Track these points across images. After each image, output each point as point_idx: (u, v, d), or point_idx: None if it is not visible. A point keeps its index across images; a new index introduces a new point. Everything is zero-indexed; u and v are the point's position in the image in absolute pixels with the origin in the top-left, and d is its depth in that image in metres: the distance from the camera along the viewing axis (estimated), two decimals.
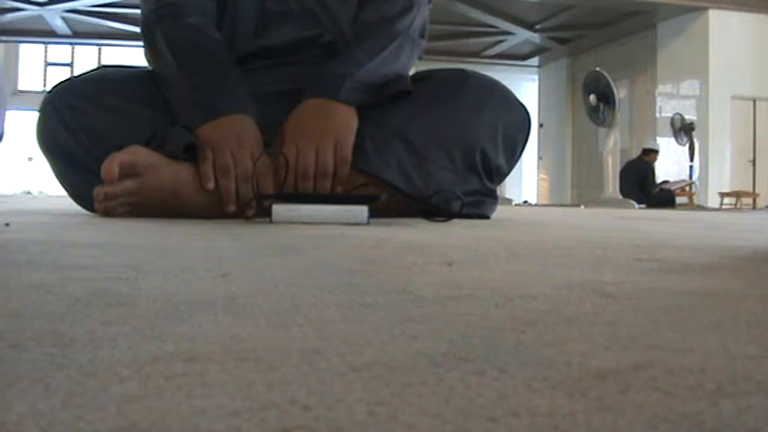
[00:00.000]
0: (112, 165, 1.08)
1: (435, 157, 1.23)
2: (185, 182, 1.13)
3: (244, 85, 1.23)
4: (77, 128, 1.22)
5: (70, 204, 1.34)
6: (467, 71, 1.37)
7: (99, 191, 1.11)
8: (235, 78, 1.24)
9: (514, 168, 1.43)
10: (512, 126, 1.34)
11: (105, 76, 1.30)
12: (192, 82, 1.22)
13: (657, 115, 8.39)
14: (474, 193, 1.28)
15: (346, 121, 1.20)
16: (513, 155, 1.37)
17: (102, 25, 9.15)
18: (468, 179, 1.27)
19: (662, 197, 6.66)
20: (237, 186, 1.12)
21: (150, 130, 1.18)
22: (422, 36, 1.40)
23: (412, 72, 1.41)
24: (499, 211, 1.43)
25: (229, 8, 1.35)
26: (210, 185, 1.11)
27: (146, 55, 1.35)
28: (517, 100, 1.39)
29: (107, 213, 1.11)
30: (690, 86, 8.01)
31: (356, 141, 1.19)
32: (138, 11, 1.42)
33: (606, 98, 5.98)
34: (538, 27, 9.11)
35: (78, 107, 1.23)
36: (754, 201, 7.48)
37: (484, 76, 1.38)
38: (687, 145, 7.25)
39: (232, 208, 1.12)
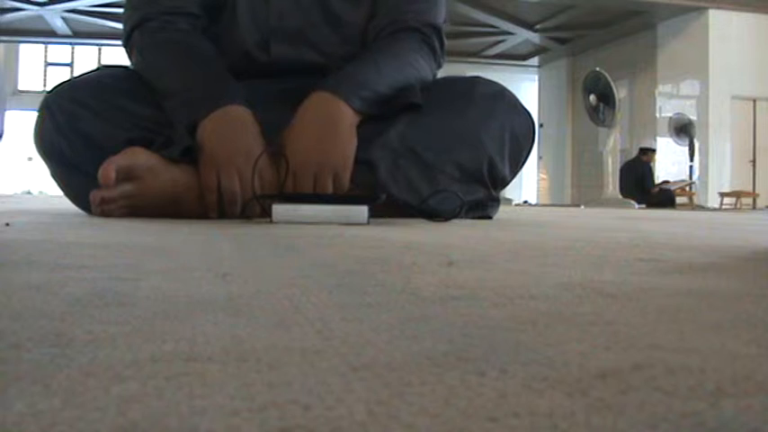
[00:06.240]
0: (109, 169, 1.07)
1: (444, 168, 1.22)
2: (184, 185, 1.12)
3: (234, 81, 1.22)
4: (71, 133, 1.20)
5: (70, 204, 1.33)
6: (474, 79, 1.36)
7: (95, 195, 1.10)
8: (225, 73, 1.23)
9: None
10: (518, 136, 1.33)
11: (103, 79, 1.28)
12: (184, 81, 1.21)
13: (657, 115, 8.39)
14: (479, 202, 1.29)
15: (346, 141, 1.17)
16: (518, 164, 1.37)
17: (102, 25, 9.14)
18: (475, 189, 1.27)
19: (662, 197, 6.66)
20: (237, 188, 1.12)
21: (150, 130, 1.18)
22: (441, 48, 1.39)
23: None
24: (499, 211, 1.43)
25: (225, 23, 1.34)
26: (213, 197, 1.11)
27: (134, 66, 1.33)
28: (524, 108, 1.37)
29: (105, 216, 1.10)
30: (690, 86, 8.01)
31: (363, 156, 1.17)
32: None
33: (606, 98, 5.98)
34: (538, 27, 9.10)
35: (73, 112, 1.21)
36: (754, 201, 7.48)
37: (491, 83, 1.36)
38: (687, 145, 7.25)
39: (233, 211, 1.11)
